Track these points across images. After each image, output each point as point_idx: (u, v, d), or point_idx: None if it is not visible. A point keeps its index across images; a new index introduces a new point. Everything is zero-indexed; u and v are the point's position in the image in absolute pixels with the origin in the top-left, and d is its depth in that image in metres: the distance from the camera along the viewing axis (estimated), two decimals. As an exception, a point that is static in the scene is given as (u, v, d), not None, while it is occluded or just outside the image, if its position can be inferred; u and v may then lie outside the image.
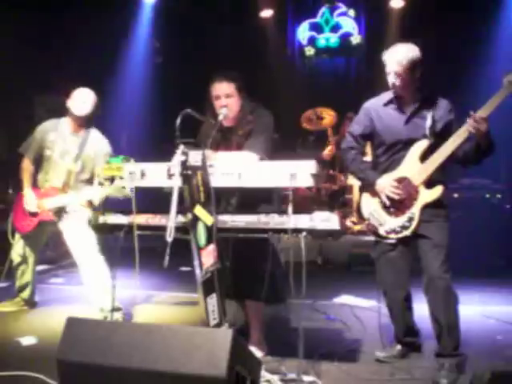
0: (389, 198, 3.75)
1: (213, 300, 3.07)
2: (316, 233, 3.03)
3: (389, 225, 3.77)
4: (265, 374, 3.38)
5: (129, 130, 9.60)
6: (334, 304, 5.41)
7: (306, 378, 3.45)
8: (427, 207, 3.67)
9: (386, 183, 3.76)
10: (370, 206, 3.87)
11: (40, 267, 6.58)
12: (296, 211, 3.09)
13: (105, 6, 8.92)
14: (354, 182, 8.25)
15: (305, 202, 7.87)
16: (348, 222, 7.99)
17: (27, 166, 4.93)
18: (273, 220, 3.10)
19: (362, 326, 4.70)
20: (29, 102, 9.59)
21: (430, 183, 3.67)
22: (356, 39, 10.03)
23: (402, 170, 3.75)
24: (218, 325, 3.07)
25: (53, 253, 6.82)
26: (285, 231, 3.06)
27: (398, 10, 9.42)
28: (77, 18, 9.10)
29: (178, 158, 3.05)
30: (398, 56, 3.65)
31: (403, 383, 3.62)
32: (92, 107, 4.78)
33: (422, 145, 3.69)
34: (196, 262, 3.01)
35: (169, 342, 2.69)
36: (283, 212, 3.11)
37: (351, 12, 10.05)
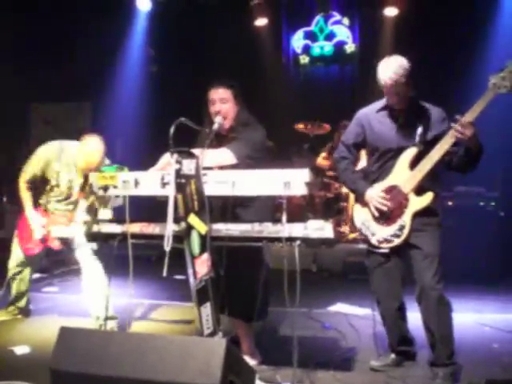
0: (377, 208, 3.76)
1: (207, 309, 3.06)
2: (310, 241, 3.03)
3: (380, 234, 3.78)
4: (259, 383, 3.37)
5: (124, 139, 9.59)
6: (328, 312, 5.41)
7: (300, 387, 3.45)
8: (418, 215, 3.67)
9: (374, 194, 3.78)
10: (361, 216, 3.89)
11: (34, 276, 6.56)
12: (290, 219, 3.09)
13: (100, 14, 8.95)
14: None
15: (299, 210, 7.87)
16: (343, 229, 8.01)
17: (27, 190, 4.79)
18: (267, 229, 3.09)
19: (357, 335, 4.69)
20: (24, 110, 9.59)
21: (420, 190, 3.67)
22: (350, 47, 10.05)
23: (391, 179, 3.76)
24: (212, 334, 3.05)
25: (47, 261, 6.78)
26: (279, 240, 3.05)
27: (392, 19, 9.42)
28: (72, 26, 9.13)
29: (159, 165, 3.04)
30: (392, 66, 3.64)
31: (398, 392, 3.62)
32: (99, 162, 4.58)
33: (410, 152, 3.70)
34: (190, 271, 2.99)
35: (163, 352, 2.68)
36: (277, 220, 3.10)
37: (345, 20, 10.06)
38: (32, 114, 9.74)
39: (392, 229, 3.73)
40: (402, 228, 3.69)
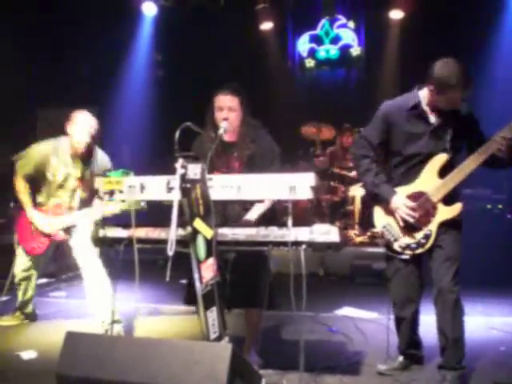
0: (404, 218, 3.65)
1: (213, 313, 3.05)
2: (316, 246, 3.02)
3: (404, 241, 3.67)
4: (266, 388, 3.36)
5: (130, 144, 9.62)
6: (335, 316, 5.38)
7: (307, 392, 3.44)
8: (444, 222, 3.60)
9: (401, 203, 3.63)
10: (383, 220, 3.76)
11: (41, 280, 6.57)
12: (297, 224, 3.08)
13: (106, 19, 8.98)
14: (355, 193, 8.27)
15: (305, 214, 7.85)
16: (350, 233, 8.00)
17: (24, 186, 4.82)
18: (273, 233, 3.09)
19: (364, 339, 4.67)
20: (31, 115, 9.63)
21: (448, 198, 3.58)
22: (356, 51, 10.06)
23: (419, 184, 3.64)
24: (219, 338, 3.05)
25: (54, 266, 6.80)
26: (285, 244, 3.05)
27: (397, 21, 9.44)
28: (78, 31, 9.16)
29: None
30: (461, 68, 3.45)
31: (405, 396, 3.61)
32: (92, 135, 4.67)
33: (441, 159, 3.57)
34: (196, 276, 2.99)
35: (169, 357, 2.68)
36: (282, 224, 3.10)
37: (351, 24, 10.08)
38: (38, 119, 9.79)
39: (416, 236, 3.63)
40: (427, 237, 3.60)
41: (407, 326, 3.89)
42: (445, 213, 3.58)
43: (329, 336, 4.82)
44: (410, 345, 3.95)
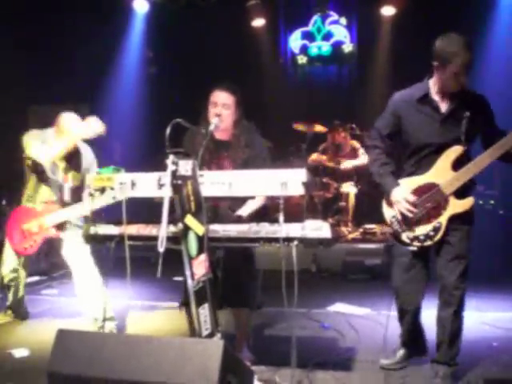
0: (402, 213, 3.61)
1: (205, 310, 3.04)
2: (307, 242, 3.02)
3: (412, 232, 3.62)
4: (258, 384, 3.37)
5: (122, 141, 9.58)
6: (328, 312, 5.39)
7: (299, 388, 3.45)
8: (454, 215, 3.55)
9: (401, 197, 3.60)
10: (392, 210, 3.69)
11: (33, 278, 6.57)
12: (289, 220, 3.07)
13: (97, 15, 8.95)
14: (347, 189, 8.28)
15: (298, 210, 7.84)
16: (343, 230, 8.01)
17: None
18: (264, 229, 3.08)
19: (356, 335, 4.68)
20: (22, 114, 9.58)
21: (460, 191, 3.52)
22: (348, 47, 10.05)
23: (431, 175, 3.57)
24: (211, 335, 3.04)
25: (46, 264, 6.78)
26: (276, 240, 3.04)
27: (389, 18, 9.43)
28: (69, 28, 9.13)
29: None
30: (466, 40, 3.40)
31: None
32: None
33: (456, 151, 3.50)
34: (187, 272, 2.99)
35: (160, 354, 2.67)
36: (274, 221, 3.09)
37: (343, 20, 10.06)
38: (30, 116, 9.74)
39: (426, 228, 3.58)
40: (436, 229, 3.55)
41: (410, 318, 3.85)
42: (456, 206, 3.52)
43: (321, 332, 4.82)
44: (413, 337, 3.91)
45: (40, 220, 4.66)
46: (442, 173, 3.54)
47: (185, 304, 3.71)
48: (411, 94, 3.65)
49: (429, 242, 3.59)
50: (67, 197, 4.73)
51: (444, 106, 3.56)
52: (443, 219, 3.54)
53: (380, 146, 3.76)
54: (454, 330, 3.61)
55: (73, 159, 4.78)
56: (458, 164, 3.51)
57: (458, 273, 3.55)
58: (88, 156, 4.84)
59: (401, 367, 3.87)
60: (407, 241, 3.65)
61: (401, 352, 3.93)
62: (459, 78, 3.43)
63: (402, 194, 3.61)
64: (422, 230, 3.60)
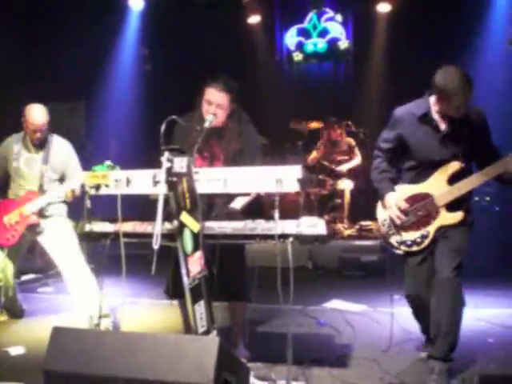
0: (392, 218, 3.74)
1: (200, 307, 3.04)
2: (303, 238, 3.02)
3: (401, 237, 3.76)
4: (254, 381, 3.37)
5: (117, 138, 9.56)
6: (324, 309, 5.39)
7: (295, 384, 3.45)
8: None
9: (393, 202, 3.72)
10: (384, 213, 3.83)
11: (29, 276, 6.56)
12: (285, 217, 3.07)
13: (92, 13, 8.93)
14: (343, 186, 8.28)
15: (294, 207, 7.85)
16: (339, 227, 8.01)
17: None
18: (260, 226, 3.08)
19: (352, 331, 4.68)
20: (17, 111, 9.54)
21: (452, 204, 3.62)
22: (344, 44, 10.04)
23: (427, 186, 3.69)
24: (207, 332, 3.04)
25: (41, 262, 6.76)
26: (272, 237, 3.04)
27: (385, 15, 9.42)
28: (64, 25, 9.09)
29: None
30: (467, 78, 3.47)
31: (393, 387, 3.62)
32: (46, 116, 4.86)
33: (453, 166, 3.60)
34: (183, 270, 2.98)
35: (156, 351, 2.67)
36: (269, 217, 3.09)
37: (338, 17, 10.05)
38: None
39: (414, 235, 3.72)
40: (423, 237, 3.69)
41: (423, 313, 3.85)
42: (446, 219, 3.65)
43: (317, 329, 4.83)
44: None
45: (20, 209, 4.68)
46: (437, 185, 3.66)
47: (167, 292, 3.77)
48: (413, 110, 3.73)
49: (415, 248, 3.73)
50: (46, 185, 4.75)
51: (443, 126, 3.65)
52: (432, 229, 3.68)
53: (381, 156, 3.89)
54: (448, 324, 3.61)
55: (49, 150, 4.87)
56: (454, 179, 3.63)
57: (454, 264, 3.61)
58: (61, 148, 4.92)
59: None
60: (395, 244, 3.80)
61: (429, 348, 3.88)
62: (460, 109, 3.52)
63: (395, 200, 3.74)
64: (410, 235, 3.74)
